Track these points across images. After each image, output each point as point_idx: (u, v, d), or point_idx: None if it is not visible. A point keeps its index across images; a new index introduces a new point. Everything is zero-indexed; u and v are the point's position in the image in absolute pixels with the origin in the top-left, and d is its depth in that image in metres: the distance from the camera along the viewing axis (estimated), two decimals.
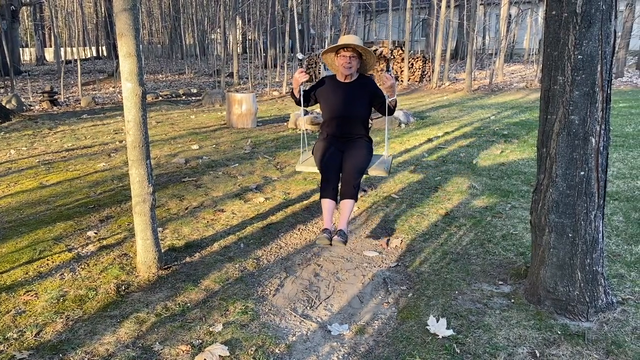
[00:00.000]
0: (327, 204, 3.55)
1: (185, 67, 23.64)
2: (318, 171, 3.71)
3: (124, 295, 3.16)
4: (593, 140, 2.65)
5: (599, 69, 2.58)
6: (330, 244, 3.38)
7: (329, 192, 3.55)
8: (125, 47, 3.13)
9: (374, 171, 3.72)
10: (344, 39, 3.67)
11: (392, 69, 4.00)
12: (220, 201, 4.98)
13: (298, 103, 3.84)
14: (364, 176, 3.85)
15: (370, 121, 4.03)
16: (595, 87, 2.60)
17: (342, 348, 2.64)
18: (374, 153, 4.00)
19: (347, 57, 3.67)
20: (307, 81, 3.64)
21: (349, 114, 3.76)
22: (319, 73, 17.71)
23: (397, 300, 3.10)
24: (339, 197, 3.62)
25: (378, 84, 3.91)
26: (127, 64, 3.16)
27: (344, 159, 3.67)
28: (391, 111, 3.74)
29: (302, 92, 3.77)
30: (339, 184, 3.62)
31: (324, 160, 3.65)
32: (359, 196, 3.72)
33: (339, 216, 3.66)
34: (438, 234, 4.05)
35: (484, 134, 8.12)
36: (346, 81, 3.80)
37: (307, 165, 3.82)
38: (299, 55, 4.21)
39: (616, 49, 2.66)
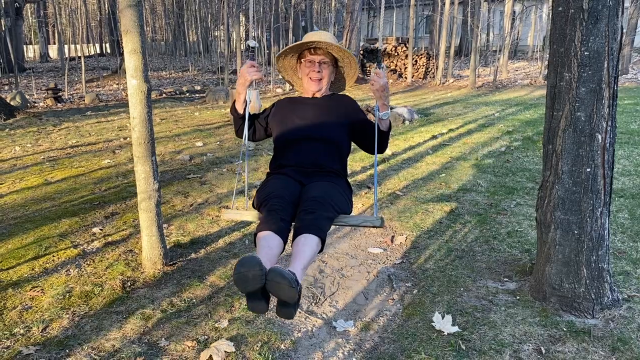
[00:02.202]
0: (267, 239, 1.99)
1: (189, 65, 23.66)
2: (256, 218, 2.26)
3: (130, 291, 3.17)
4: (599, 136, 2.64)
5: (605, 65, 2.58)
6: (263, 297, 1.81)
7: (272, 224, 2.03)
8: (130, 43, 3.13)
9: (360, 219, 2.26)
10: (311, 35, 2.45)
11: (384, 65, 2.78)
12: (225, 198, 4.99)
13: (239, 127, 2.46)
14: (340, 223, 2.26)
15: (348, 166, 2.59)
16: (601, 84, 2.59)
17: (347, 344, 2.65)
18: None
19: (315, 63, 2.44)
20: (258, 80, 2.35)
21: (318, 134, 2.40)
22: None
23: (402, 296, 3.10)
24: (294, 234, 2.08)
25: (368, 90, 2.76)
26: (132, 61, 3.16)
27: (304, 191, 2.24)
28: (383, 140, 2.38)
29: (248, 103, 2.38)
30: (292, 223, 2.14)
31: (270, 189, 2.22)
32: (324, 245, 2.06)
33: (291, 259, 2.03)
34: (443, 231, 4.05)
35: (489, 131, 8.10)
36: (314, 96, 2.52)
37: (242, 212, 2.37)
38: (250, 42, 2.45)
39: (622, 45, 2.63)
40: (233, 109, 2.42)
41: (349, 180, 2.56)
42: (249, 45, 2.47)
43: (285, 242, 2.03)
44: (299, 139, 2.40)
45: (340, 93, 2.61)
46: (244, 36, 27.12)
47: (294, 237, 2.02)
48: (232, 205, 2.50)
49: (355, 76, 2.58)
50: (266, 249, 1.93)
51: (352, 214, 2.37)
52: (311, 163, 2.36)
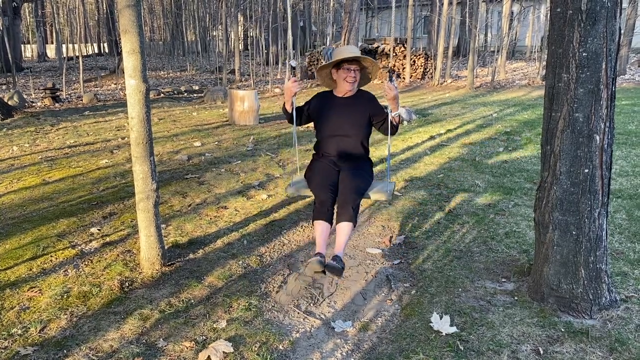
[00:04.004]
0: (321, 226, 3.09)
1: (187, 64, 23.64)
2: (311, 194, 3.29)
3: (128, 292, 3.17)
4: (597, 137, 2.65)
5: (603, 66, 2.58)
6: (324, 272, 2.88)
7: (323, 214, 3.11)
8: (129, 43, 3.13)
9: (375, 195, 3.28)
10: (347, 51, 3.32)
11: (395, 79, 3.45)
12: (223, 198, 4.98)
13: (290, 120, 3.42)
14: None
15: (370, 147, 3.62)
16: (599, 85, 2.59)
17: (345, 345, 2.65)
18: (376, 176, 3.67)
19: (352, 70, 3.32)
20: (299, 91, 3.34)
21: (347, 132, 3.37)
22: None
23: (401, 297, 3.10)
24: (334, 220, 3.17)
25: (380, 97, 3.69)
26: (130, 61, 3.15)
27: (340, 179, 3.25)
28: (394, 129, 3.36)
29: (294, 106, 3.35)
30: (335, 207, 3.21)
31: (318, 181, 3.24)
32: (356, 225, 3.17)
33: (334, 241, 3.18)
34: (441, 232, 4.05)
35: (487, 131, 8.11)
36: (344, 96, 3.42)
37: (299, 188, 3.37)
38: (292, 62, 3.57)
39: (620, 46, 2.66)
40: (284, 109, 3.40)
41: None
42: (290, 65, 3.68)
43: (331, 224, 3.13)
44: (333, 135, 3.39)
45: (364, 89, 3.50)
46: (242, 36, 27.10)
47: (337, 221, 3.09)
48: (291, 183, 3.46)
49: (377, 76, 3.56)
50: (322, 236, 3.06)
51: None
52: (344, 153, 3.38)
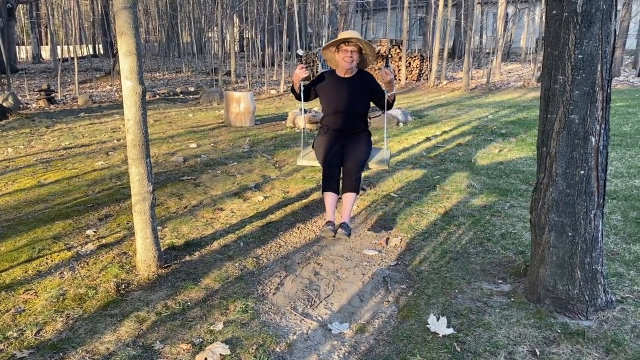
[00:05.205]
0: (329, 197, 3.60)
1: (183, 66, 23.61)
2: (319, 165, 3.76)
3: (124, 294, 3.16)
4: (593, 139, 2.66)
5: (599, 68, 2.59)
6: (334, 237, 3.43)
7: (331, 186, 3.60)
8: (125, 45, 3.12)
9: (374, 165, 3.82)
10: (345, 34, 3.76)
11: (391, 65, 4.43)
12: (219, 200, 4.98)
13: (298, 98, 3.86)
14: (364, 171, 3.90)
15: (368, 120, 4.12)
16: (595, 87, 2.60)
17: (342, 347, 2.65)
18: (373, 147, 4.09)
19: (349, 52, 3.72)
20: (306, 77, 3.72)
21: (350, 109, 3.82)
22: (317, 71, 17.72)
23: (397, 298, 3.10)
24: (340, 191, 3.69)
25: (378, 80, 3.98)
26: (127, 63, 3.15)
27: (344, 153, 3.73)
28: (390, 106, 3.83)
29: (302, 88, 3.79)
30: (340, 178, 3.69)
31: (325, 155, 3.70)
32: (359, 193, 3.73)
33: (341, 209, 3.71)
34: (437, 233, 4.06)
35: (482, 133, 8.13)
36: (346, 76, 3.86)
37: (309, 159, 3.87)
38: (299, 52, 4.25)
39: (614, 48, 2.69)
40: (292, 89, 3.87)
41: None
42: (297, 54, 4.95)
43: (338, 194, 3.63)
44: (337, 112, 3.85)
45: (364, 71, 3.93)
46: (237, 38, 27.07)
47: (342, 192, 3.61)
48: (301, 155, 3.98)
49: (374, 59, 3.92)
50: (331, 206, 3.57)
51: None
52: (346, 127, 3.87)
